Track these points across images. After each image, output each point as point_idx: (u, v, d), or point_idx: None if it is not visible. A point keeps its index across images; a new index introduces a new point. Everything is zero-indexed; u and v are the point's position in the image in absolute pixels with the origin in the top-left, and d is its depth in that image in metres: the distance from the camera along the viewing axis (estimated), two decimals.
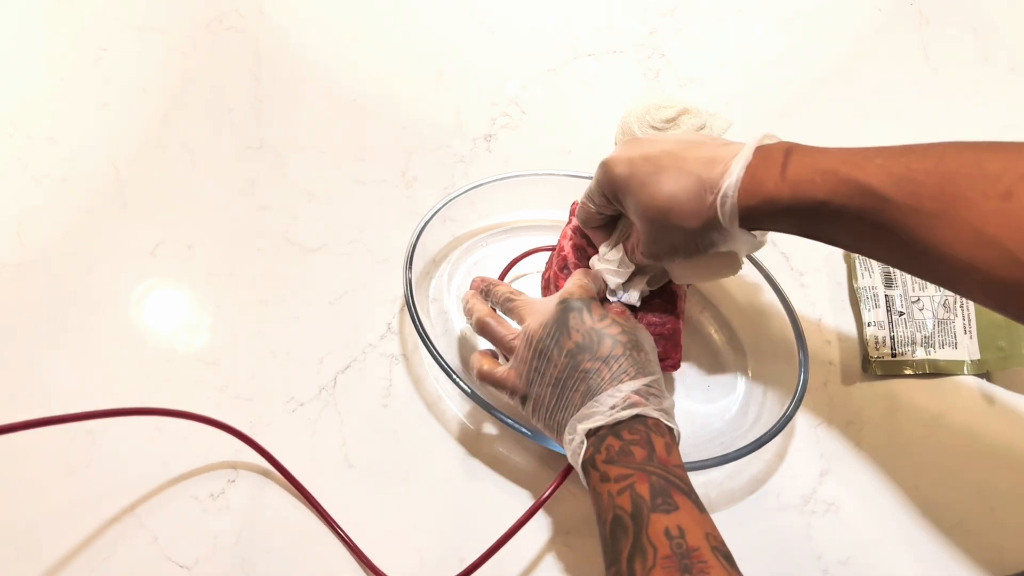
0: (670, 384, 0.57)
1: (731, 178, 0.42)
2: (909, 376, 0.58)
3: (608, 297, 0.52)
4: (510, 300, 0.51)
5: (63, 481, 0.51)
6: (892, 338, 0.59)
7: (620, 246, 0.51)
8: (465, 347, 0.58)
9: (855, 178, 0.38)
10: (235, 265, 0.62)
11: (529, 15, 0.79)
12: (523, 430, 0.50)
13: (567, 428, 0.44)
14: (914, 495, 0.54)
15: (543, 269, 0.59)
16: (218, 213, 0.64)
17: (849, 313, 0.62)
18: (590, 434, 0.42)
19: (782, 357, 0.56)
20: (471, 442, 0.54)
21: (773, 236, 0.53)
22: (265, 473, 0.52)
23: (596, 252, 0.53)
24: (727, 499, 0.53)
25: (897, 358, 0.58)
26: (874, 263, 0.61)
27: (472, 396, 0.50)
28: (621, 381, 0.43)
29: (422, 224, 0.57)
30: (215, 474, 0.52)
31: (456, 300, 0.60)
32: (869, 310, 0.60)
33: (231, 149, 0.68)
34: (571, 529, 0.51)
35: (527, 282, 0.61)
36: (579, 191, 0.57)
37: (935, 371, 0.58)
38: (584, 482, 0.43)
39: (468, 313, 0.52)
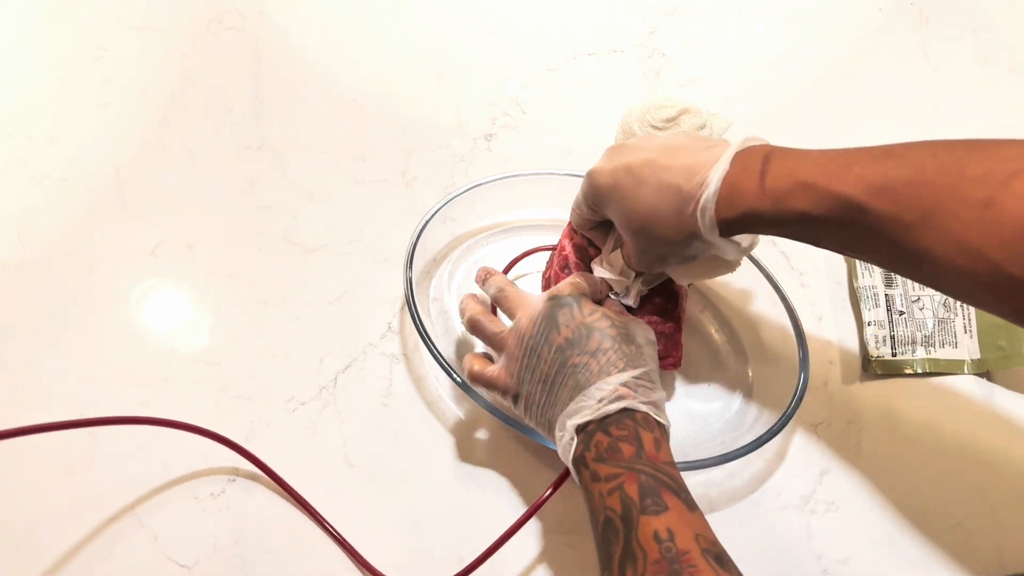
0: (671, 383, 0.57)
1: (708, 190, 0.41)
2: (909, 376, 0.58)
3: (610, 296, 0.52)
4: (502, 291, 0.50)
5: (63, 481, 0.51)
6: (892, 337, 0.59)
7: (619, 251, 0.51)
8: (465, 347, 0.58)
9: (833, 190, 0.38)
10: (235, 265, 0.62)
11: (529, 15, 0.79)
12: (523, 430, 0.50)
13: (557, 425, 0.44)
14: (914, 495, 0.54)
15: (543, 269, 0.59)
16: (218, 213, 0.64)
17: (849, 313, 0.62)
18: (579, 430, 0.42)
19: (782, 357, 0.56)
20: (471, 442, 0.54)
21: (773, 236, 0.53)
22: (264, 475, 0.52)
23: (597, 252, 0.53)
24: (727, 498, 0.53)
25: (897, 358, 0.58)
26: None
27: (472, 396, 0.50)
28: (609, 374, 0.42)
29: (422, 224, 0.57)
30: (215, 473, 0.52)
31: (457, 300, 0.60)
32: (869, 309, 0.60)
33: (231, 149, 0.68)
34: (571, 528, 0.51)
35: (527, 282, 0.61)
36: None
37: (935, 371, 0.58)
38: (576, 479, 0.43)
39: (461, 313, 0.52)
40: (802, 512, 0.53)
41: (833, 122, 0.72)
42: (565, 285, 0.48)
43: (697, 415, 0.56)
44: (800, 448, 0.55)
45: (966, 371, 0.59)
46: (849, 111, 0.73)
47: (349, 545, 0.49)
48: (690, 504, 0.39)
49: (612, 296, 0.52)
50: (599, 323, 0.45)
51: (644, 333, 0.47)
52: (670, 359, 0.54)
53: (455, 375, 0.51)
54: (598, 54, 0.76)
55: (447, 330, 0.58)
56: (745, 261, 0.59)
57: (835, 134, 0.71)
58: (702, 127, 0.61)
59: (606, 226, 0.52)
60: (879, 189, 0.37)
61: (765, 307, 0.59)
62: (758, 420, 0.53)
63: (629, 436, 0.41)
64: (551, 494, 0.48)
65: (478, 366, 0.49)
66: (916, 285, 0.60)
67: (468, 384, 0.51)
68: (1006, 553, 0.52)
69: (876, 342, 0.59)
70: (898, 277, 0.61)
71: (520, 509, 0.48)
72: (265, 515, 0.51)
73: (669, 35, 0.78)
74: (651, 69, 0.75)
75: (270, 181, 0.66)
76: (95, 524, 0.50)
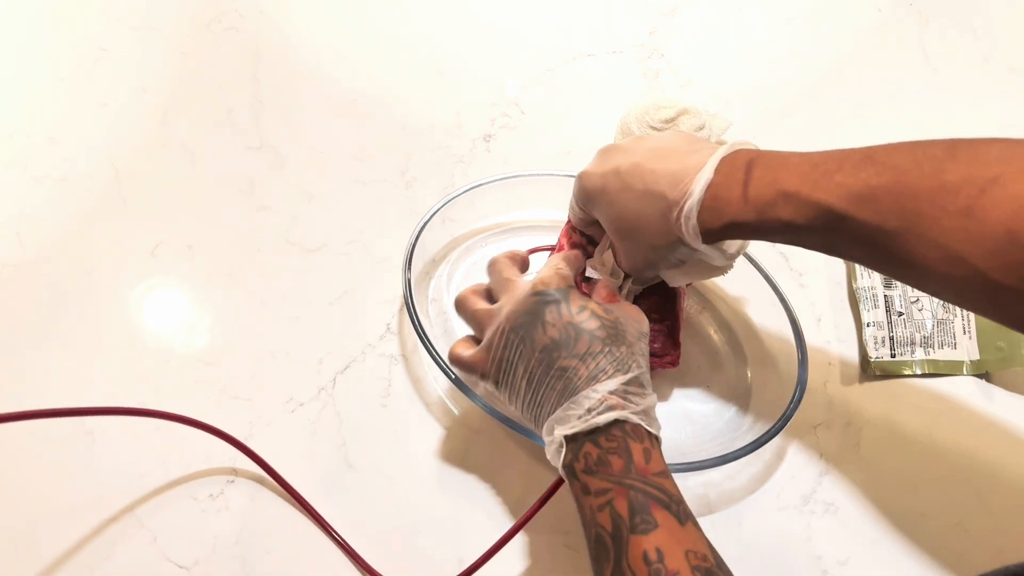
0: (670, 382, 0.57)
1: (691, 199, 0.41)
2: (908, 377, 0.58)
3: (588, 275, 0.51)
4: (494, 267, 0.49)
5: (62, 481, 0.51)
6: (891, 338, 0.59)
7: (611, 251, 0.51)
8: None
9: (815, 199, 0.38)
10: (235, 265, 0.62)
11: (529, 15, 0.79)
12: (522, 430, 0.50)
13: (545, 428, 0.43)
14: (913, 496, 0.54)
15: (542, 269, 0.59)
16: (218, 213, 0.64)
17: (848, 313, 0.62)
18: (568, 439, 0.41)
19: (782, 357, 0.56)
20: (470, 442, 0.54)
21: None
22: (263, 475, 0.52)
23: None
24: (727, 499, 0.53)
25: (896, 358, 0.58)
26: None
27: (471, 397, 0.50)
28: (598, 380, 0.41)
29: (422, 224, 0.57)
30: (214, 474, 0.52)
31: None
32: (868, 310, 0.60)
33: (231, 149, 0.68)
34: (571, 529, 0.51)
35: None
36: None
37: (934, 372, 0.59)
38: (568, 485, 0.42)
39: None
40: (801, 513, 0.53)
41: (833, 122, 0.72)
42: (552, 276, 0.46)
43: (696, 416, 0.56)
44: (799, 449, 0.55)
45: (965, 372, 0.59)
46: (849, 111, 0.73)
47: (348, 545, 0.49)
48: (681, 517, 0.38)
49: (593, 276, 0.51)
50: (588, 323, 0.43)
51: (635, 325, 0.45)
52: (668, 358, 0.54)
53: (454, 376, 0.51)
54: (597, 54, 0.76)
55: (446, 331, 0.58)
56: (744, 262, 0.59)
57: (835, 134, 0.71)
58: (701, 128, 0.61)
59: (601, 225, 0.52)
60: (861, 197, 0.37)
61: (764, 308, 0.59)
62: (757, 421, 0.53)
63: (618, 448, 0.40)
64: (551, 495, 0.48)
65: (460, 348, 0.47)
66: None
67: (461, 380, 0.51)
68: (1005, 554, 0.52)
69: (875, 343, 0.59)
70: None
71: (520, 510, 0.48)
72: (264, 515, 0.51)
73: (669, 35, 0.78)
74: (651, 69, 0.75)
75: (270, 181, 0.66)
76: (94, 525, 0.50)
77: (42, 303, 0.59)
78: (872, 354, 0.58)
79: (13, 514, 0.50)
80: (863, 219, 0.37)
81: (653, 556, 0.36)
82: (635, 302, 0.52)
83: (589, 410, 0.40)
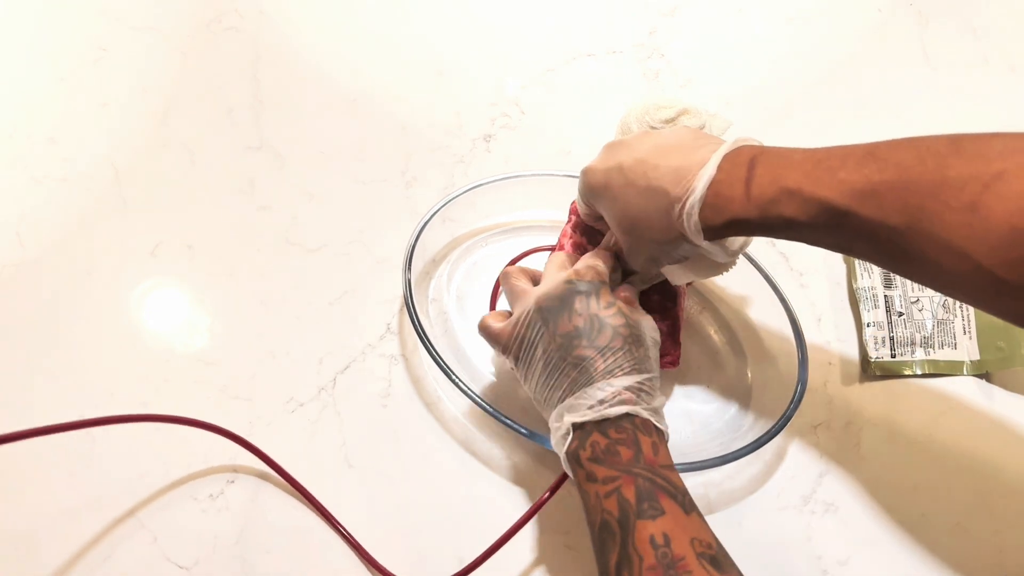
0: (670, 382, 0.57)
1: (694, 196, 0.41)
2: (909, 376, 0.58)
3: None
4: (552, 260, 0.50)
5: (63, 482, 0.51)
6: (891, 339, 0.59)
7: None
8: (465, 348, 0.58)
9: (819, 196, 0.38)
10: (235, 265, 0.62)
11: (529, 15, 0.79)
12: (523, 430, 0.50)
13: (554, 413, 0.44)
14: (913, 496, 0.54)
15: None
16: (218, 213, 0.64)
17: (849, 313, 0.62)
18: (576, 427, 0.42)
19: (782, 357, 0.56)
20: (471, 442, 0.54)
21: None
22: (264, 474, 0.52)
23: (596, 249, 0.53)
24: (727, 499, 0.53)
25: (896, 359, 0.58)
26: (874, 264, 0.61)
27: (472, 396, 0.50)
28: (614, 375, 0.42)
29: (422, 224, 0.57)
30: (215, 474, 0.52)
31: (456, 300, 0.60)
32: (868, 310, 0.60)
33: (231, 149, 0.68)
34: (571, 529, 0.51)
35: None
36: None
37: (935, 372, 0.59)
38: (569, 473, 0.43)
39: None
40: (801, 513, 0.53)
41: (833, 122, 0.72)
42: (587, 269, 0.47)
43: (696, 416, 0.56)
44: (799, 449, 0.55)
45: (965, 372, 0.59)
46: (849, 111, 0.73)
47: (352, 538, 0.49)
48: (687, 507, 0.39)
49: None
50: (613, 319, 0.44)
51: (650, 332, 0.46)
52: (668, 358, 0.54)
53: (454, 376, 0.51)
54: (598, 54, 0.76)
55: (446, 331, 0.58)
56: (744, 262, 0.59)
57: (835, 134, 0.71)
58: (701, 127, 0.61)
59: None
60: (864, 194, 0.37)
61: (764, 308, 0.59)
62: (757, 421, 0.53)
63: (627, 440, 0.40)
64: (551, 495, 0.48)
65: (490, 319, 0.49)
66: (915, 286, 0.61)
67: (467, 386, 0.51)
68: (1006, 554, 0.52)
69: (875, 343, 0.59)
70: (897, 278, 0.61)
71: (520, 509, 0.48)
72: (265, 515, 0.51)
73: (669, 35, 0.78)
74: (651, 69, 0.75)
75: (270, 181, 0.66)
76: (95, 525, 0.50)
77: (42, 303, 0.59)
78: (872, 354, 0.58)
79: (14, 515, 0.50)
80: (866, 215, 0.37)
81: (660, 540, 0.36)
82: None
83: (601, 401, 0.41)
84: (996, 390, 0.58)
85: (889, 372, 0.58)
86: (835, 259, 0.64)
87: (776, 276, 0.58)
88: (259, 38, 0.75)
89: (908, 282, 0.61)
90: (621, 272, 0.51)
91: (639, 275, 0.51)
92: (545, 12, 0.79)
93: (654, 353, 0.46)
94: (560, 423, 0.43)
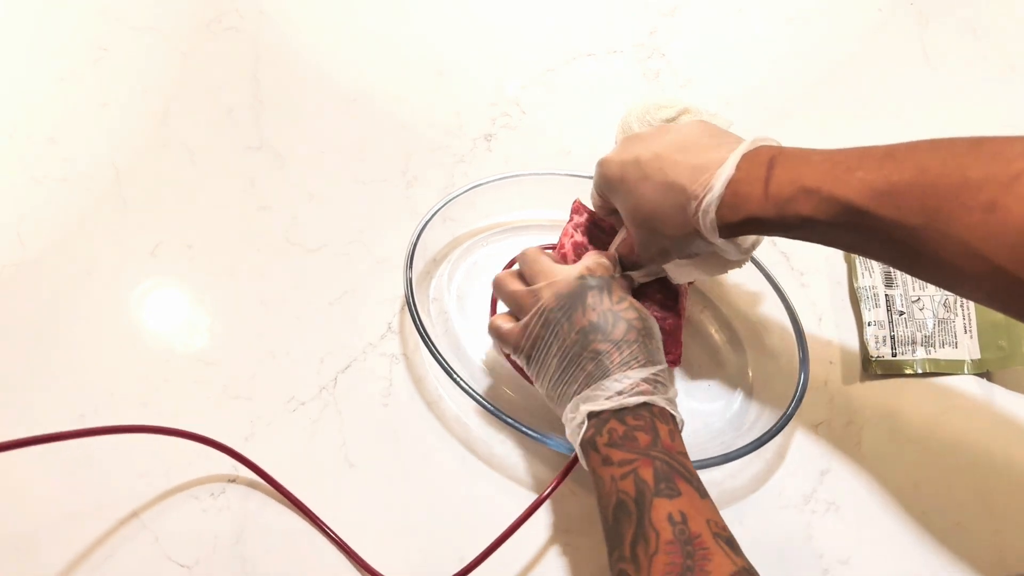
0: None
1: (712, 193, 0.42)
2: (909, 376, 0.58)
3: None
4: (526, 255, 0.50)
5: (63, 482, 0.51)
6: (892, 338, 0.59)
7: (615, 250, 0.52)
8: (465, 348, 0.58)
9: (837, 195, 0.38)
10: (235, 265, 0.62)
11: (529, 15, 0.79)
12: (523, 429, 0.50)
13: (569, 405, 0.44)
14: (914, 495, 0.54)
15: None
16: (218, 213, 0.64)
17: (849, 313, 0.62)
18: (592, 416, 0.42)
19: (782, 357, 0.56)
20: (471, 441, 0.54)
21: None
22: (264, 475, 0.52)
23: (597, 249, 0.53)
24: (728, 498, 0.53)
25: (897, 358, 0.58)
26: (874, 263, 0.61)
27: (473, 395, 0.50)
28: (630, 367, 0.42)
29: (422, 224, 0.57)
30: (215, 474, 0.52)
31: (457, 299, 0.60)
32: (869, 309, 0.60)
33: (231, 149, 0.68)
34: (571, 528, 0.51)
35: None
36: (579, 191, 0.57)
37: (935, 371, 0.59)
38: (583, 462, 0.43)
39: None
40: (802, 512, 0.53)
41: (833, 122, 0.72)
42: (597, 266, 0.48)
43: (697, 415, 0.56)
44: (800, 448, 0.55)
45: (966, 371, 0.59)
46: (849, 111, 0.73)
47: (347, 546, 0.49)
48: (702, 492, 0.39)
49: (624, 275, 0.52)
50: (626, 313, 0.44)
51: (657, 328, 0.47)
52: (670, 356, 0.53)
53: (455, 375, 0.51)
54: (598, 54, 0.76)
55: (447, 330, 0.58)
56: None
57: (835, 134, 0.71)
58: None
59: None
60: (882, 193, 0.37)
61: (765, 307, 0.59)
62: (758, 420, 0.53)
63: (646, 426, 0.41)
64: (551, 493, 0.48)
65: (500, 320, 0.49)
66: (916, 285, 0.60)
67: (468, 385, 0.51)
68: (1006, 553, 0.52)
69: (876, 342, 0.59)
70: (898, 277, 0.61)
71: (520, 508, 0.48)
72: (265, 516, 0.51)
73: (669, 35, 0.78)
74: (651, 69, 0.75)
75: (270, 181, 0.66)
76: (96, 525, 0.50)
77: (42, 303, 0.59)
78: (873, 353, 0.58)
79: (15, 518, 0.50)
80: (884, 215, 0.37)
81: (677, 517, 0.37)
82: (638, 299, 0.52)
83: (620, 392, 0.42)
84: (997, 389, 0.58)
85: (890, 371, 0.58)
86: (836, 258, 0.64)
87: (777, 275, 0.58)
88: (259, 38, 0.75)
89: (909, 281, 0.61)
90: (620, 271, 0.51)
91: (641, 270, 0.52)
92: (545, 12, 0.79)
93: (662, 346, 0.46)
94: (576, 413, 0.43)
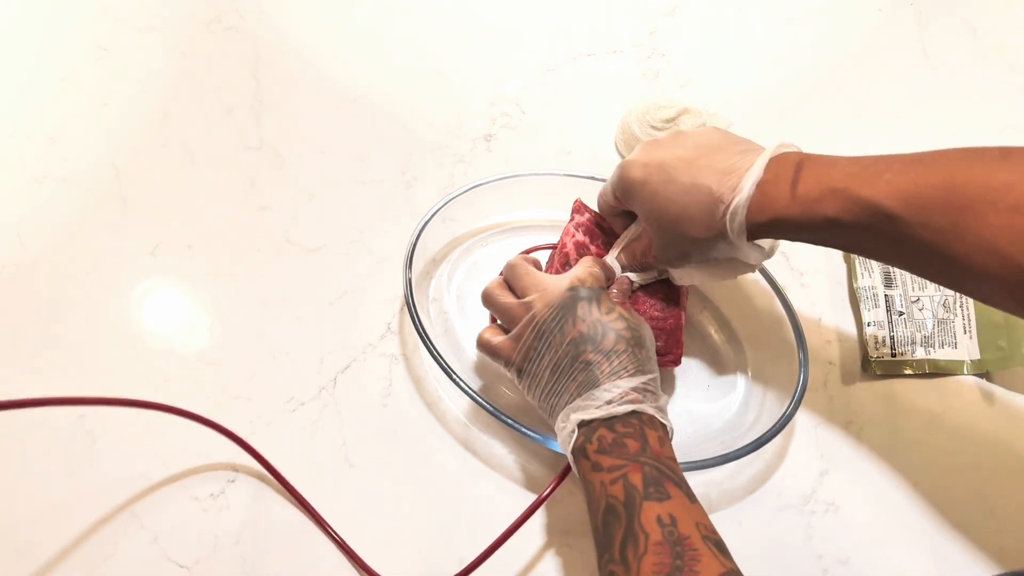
0: (671, 382, 0.57)
1: (741, 195, 0.42)
2: (909, 376, 0.58)
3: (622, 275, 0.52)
4: (514, 267, 0.50)
5: (62, 481, 0.51)
6: (892, 338, 0.59)
7: (622, 253, 0.52)
8: (464, 348, 0.58)
9: (864, 196, 0.38)
10: (235, 265, 0.62)
11: (529, 15, 0.79)
12: (523, 430, 0.50)
13: (560, 415, 0.44)
14: (914, 495, 0.54)
15: (543, 268, 0.59)
16: (218, 213, 0.64)
17: (849, 313, 0.62)
18: (582, 424, 0.43)
19: (782, 357, 0.56)
20: (471, 442, 0.54)
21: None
22: (264, 474, 0.52)
23: (598, 250, 0.53)
24: (727, 499, 0.53)
25: (897, 358, 0.58)
26: (874, 263, 0.61)
27: (472, 396, 0.50)
28: (620, 376, 0.43)
29: (422, 224, 0.57)
30: (215, 474, 0.52)
31: (456, 299, 0.60)
32: (869, 310, 0.60)
33: (231, 149, 0.68)
34: (570, 528, 0.51)
35: None
36: (579, 191, 0.57)
37: (935, 371, 0.58)
38: (574, 468, 0.44)
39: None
40: (802, 512, 0.53)
41: (833, 122, 0.72)
42: (587, 276, 0.48)
43: (697, 415, 0.56)
44: (800, 448, 0.55)
45: (965, 371, 0.59)
46: (849, 111, 0.73)
47: (347, 546, 0.49)
48: (691, 497, 0.40)
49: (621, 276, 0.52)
50: (615, 324, 0.45)
51: (649, 333, 0.47)
52: (670, 356, 0.54)
53: (455, 376, 0.51)
54: (598, 54, 0.76)
55: (447, 331, 0.58)
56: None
57: (835, 134, 0.71)
58: (701, 127, 0.61)
59: (628, 217, 0.53)
60: (909, 195, 0.37)
61: (765, 307, 0.59)
62: (758, 420, 0.53)
63: (635, 433, 0.41)
64: (550, 494, 0.48)
65: (488, 334, 0.49)
66: (916, 286, 0.60)
67: (468, 386, 0.51)
68: (1006, 553, 0.52)
69: (876, 342, 0.59)
70: (898, 278, 0.61)
71: (519, 509, 0.48)
72: (266, 515, 0.51)
73: (669, 35, 0.78)
74: (651, 69, 0.75)
75: (270, 181, 0.66)
76: (95, 524, 0.50)
77: (42, 303, 0.59)
78: (873, 353, 0.58)
79: (13, 513, 0.50)
80: (911, 216, 0.37)
81: (667, 520, 0.37)
82: (639, 299, 0.53)
83: (609, 401, 0.42)
84: (996, 389, 0.58)
85: (889, 371, 0.58)
86: (836, 259, 0.64)
87: (777, 275, 0.58)
88: (259, 38, 0.75)
89: (908, 281, 0.61)
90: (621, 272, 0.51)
91: (642, 273, 0.52)
92: (545, 12, 0.79)
93: (653, 355, 0.47)
94: (567, 423, 0.43)
